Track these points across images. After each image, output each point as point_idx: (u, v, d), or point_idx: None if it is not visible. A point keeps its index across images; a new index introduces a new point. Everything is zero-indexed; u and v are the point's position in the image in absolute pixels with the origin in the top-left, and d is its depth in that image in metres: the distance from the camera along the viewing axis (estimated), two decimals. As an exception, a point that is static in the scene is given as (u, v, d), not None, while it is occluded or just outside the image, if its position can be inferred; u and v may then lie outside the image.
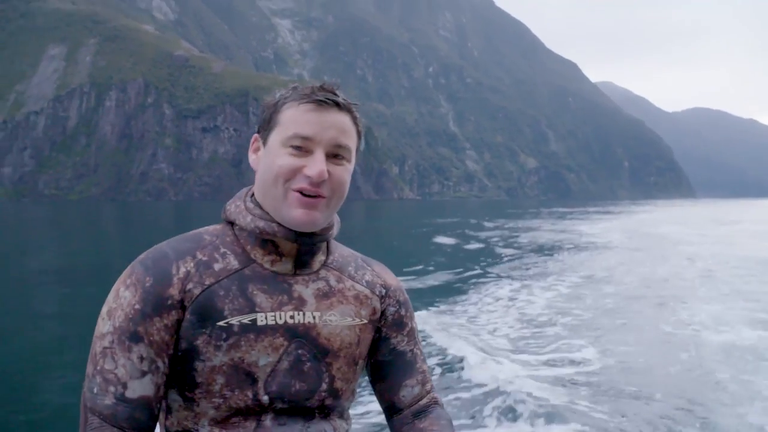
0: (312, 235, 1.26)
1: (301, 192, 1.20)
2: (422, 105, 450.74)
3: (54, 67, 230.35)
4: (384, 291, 1.40)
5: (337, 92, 1.24)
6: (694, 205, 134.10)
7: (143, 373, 1.16)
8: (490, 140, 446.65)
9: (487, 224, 45.25)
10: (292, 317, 1.23)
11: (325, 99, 1.21)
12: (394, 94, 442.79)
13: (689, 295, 12.58)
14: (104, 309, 1.20)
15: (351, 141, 1.25)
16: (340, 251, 1.40)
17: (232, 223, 1.30)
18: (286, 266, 1.26)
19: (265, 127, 1.26)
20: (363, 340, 1.34)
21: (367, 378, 1.46)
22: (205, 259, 1.22)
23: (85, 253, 26.43)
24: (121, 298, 1.18)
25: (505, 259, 20.83)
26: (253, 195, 1.31)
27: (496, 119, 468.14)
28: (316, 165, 1.19)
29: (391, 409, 1.44)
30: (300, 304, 1.25)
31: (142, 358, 1.16)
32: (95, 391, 1.16)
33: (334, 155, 1.23)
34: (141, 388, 1.16)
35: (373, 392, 1.46)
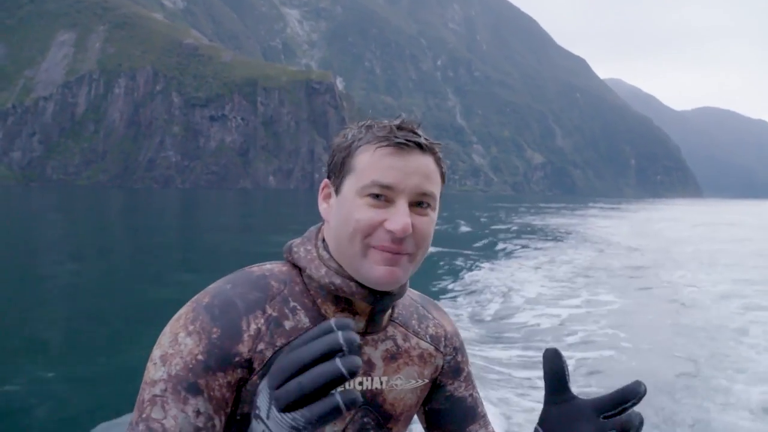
0: (390, 294, 1.15)
1: (382, 249, 1.08)
2: (430, 98, 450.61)
3: (63, 53, 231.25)
4: (449, 348, 1.34)
5: (418, 131, 1.13)
6: (700, 204, 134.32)
7: (197, 429, 1.02)
8: (497, 134, 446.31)
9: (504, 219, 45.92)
10: (360, 383, 1.17)
11: (407, 141, 1.09)
12: (402, 86, 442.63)
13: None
14: (156, 353, 1.08)
15: (436, 187, 1.13)
16: (403, 300, 1.31)
17: (299, 269, 1.19)
18: (358, 326, 1.18)
19: (337, 172, 1.14)
20: (421, 398, 1.30)
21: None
22: (275, 315, 1.11)
23: (88, 236, 27.17)
24: (181, 345, 1.06)
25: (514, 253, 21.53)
26: (324, 239, 1.19)
27: (504, 113, 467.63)
28: (400, 218, 1.07)
29: None
30: (369, 368, 1.18)
31: (198, 413, 1.03)
32: None
33: (418, 203, 1.11)
34: None
35: None
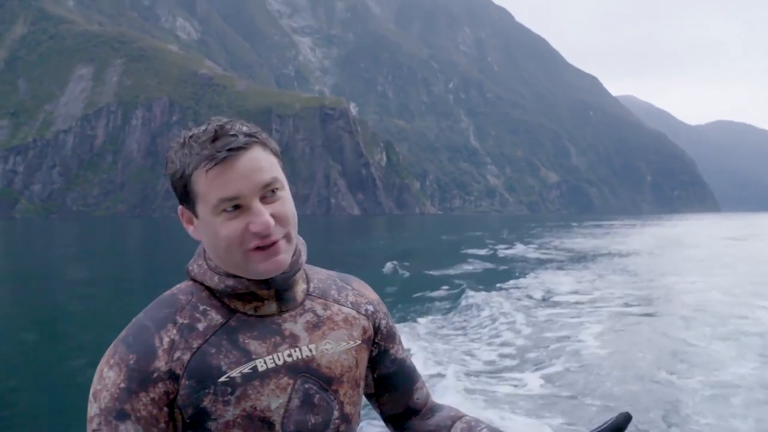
0: (282, 273, 1.21)
1: (257, 248, 1.15)
2: (442, 120, 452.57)
3: (82, 87, 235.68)
4: (370, 308, 1.40)
5: (234, 131, 1.13)
6: (717, 218, 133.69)
7: None
8: (510, 154, 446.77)
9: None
10: (290, 355, 1.21)
11: (228, 151, 1.11)
12: (414, 110, 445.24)
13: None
14: (90, 392, 1.15)
15: (275, 170, 1.17)
16: (318, 275, 1.37)
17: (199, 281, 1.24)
18: (270, 308, 1.23)
19: (185, 200, 1.18)
20: (360, 360, 1.34)
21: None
22: (186, 321, 1.18)
23: (107, 266, 27.95)
24: (105, 379, 1.13)
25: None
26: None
27: (517, 133, 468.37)
28: (258, 218, 1.13)
29: (405, 415, 1.47)
30: (294, 341, 1.23)
31: None
32: None
33: (270, 192, 1.16)
34: None
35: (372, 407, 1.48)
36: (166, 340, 1.15)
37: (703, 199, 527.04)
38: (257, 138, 1.16)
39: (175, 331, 1.16)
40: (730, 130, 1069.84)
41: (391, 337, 1.44)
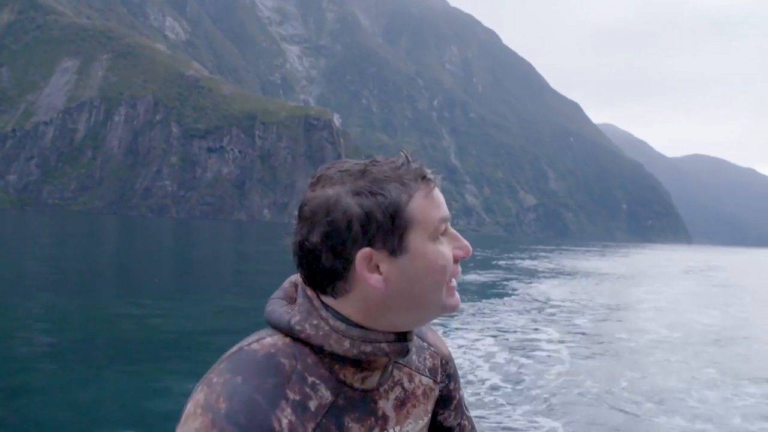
0: (410, 339, 1.08)
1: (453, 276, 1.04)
2: (425, 137, 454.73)
3: (66, 80, 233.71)
4: (441, 373, 1.26)
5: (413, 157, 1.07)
6: (688, 251, 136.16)
7: None
8: (490, 175, 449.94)
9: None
10: None
11: (431, 174, 1.06)
12: (397, 125, 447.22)
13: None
14: None
15: None
16: None
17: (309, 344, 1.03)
18: (373, 381, 1.08)
19: (390, 233, 1.00)
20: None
21: None
22: (298, 398, 0.99)
23: (78, 261, 28.14)
24: None
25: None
26: (330, 308, 1.03)
27: (498, 155, 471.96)
28: (464, 243, 1.05)
29: None
30: (384, 422, 1.09)
31: None
32: None
33: None
34: None
35: None
36: (285, 422, 0.95)
37: (676, 231, 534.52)
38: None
39: (290, 411, 0.97)
40: (705, 165, 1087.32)
41: (445, 401, 1.29)
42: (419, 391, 1.18)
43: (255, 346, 1.02)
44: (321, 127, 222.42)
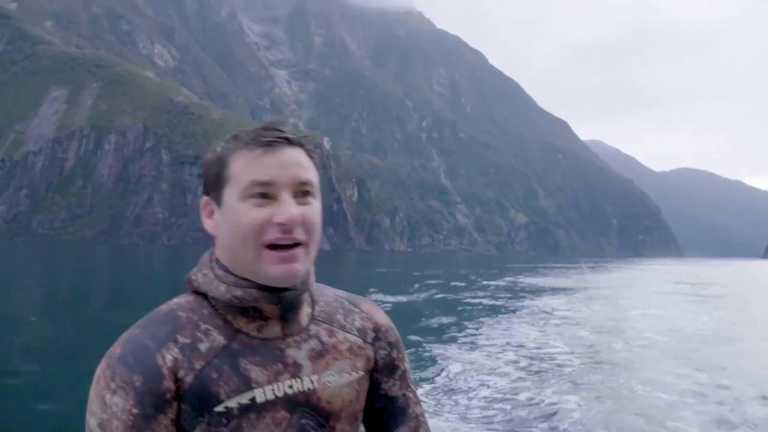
0: (292, 290, 1.16)
1: (275, 245, 1.11)
2: (415, 158, 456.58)
3: (55, 109, 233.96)
4: (375, 335, 1.32)
5: (283, 128, 1.16)
6: (680, 264, 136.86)
7: None
8: (480, 195, 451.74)
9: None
10: (290, 386, 1.15)
11: (274, 138, 1.13)
12: (387, 147, 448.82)
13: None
14: (92, 422, 1.06)
15: (313, 175, 1.17)
16: (325, 297, 1.31)
17: (204, 294, 1.18)
18: (273, 330, 1.17)
19: (215, 186, 1.16)
20: (361, 392, 1.27)
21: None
22: (188, 341, 1.11)
23: (69, 289, 28.24)
24: (112, 407, 1.05)
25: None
26: (218, 260, 1.19)
27: (487, 174, 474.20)
28: (286, 209, 1.10)
29: None
30: (296, 370, 1.16)
31: None
32: None
33: (302, 193, 1.14)
34: None
35: None
36: (169, 358, 1.09)
37: (667, 244, 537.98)
38: (305, 143, 1.18)
39: (177, 350, 1.10)
40: (694, 178, 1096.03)
41: (389, 370, 1.34)
42: (343, 347, 1.24)
43: (163, 306, 1.18)
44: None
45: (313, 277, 1.23)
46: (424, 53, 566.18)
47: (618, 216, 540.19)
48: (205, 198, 1.18)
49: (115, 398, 1.05)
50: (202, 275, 1.18)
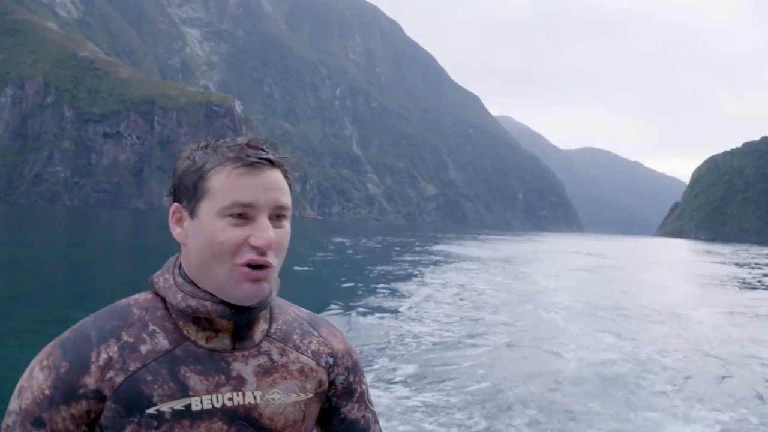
0: (249, 309, 1.16)
1: (248, 265, 1.11)
2: (327, 125, 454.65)
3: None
4: (331, 360, 1.31)
5: (266, 147, 1.16)
6: (581, 238, 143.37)
7: None
8: (392, 165, 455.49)
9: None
10: (230, 399, 1.14)
11: (259, 159, 1.12)
12: (300, 113, 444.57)
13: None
14: (18, 385, 1.13)
15: (289, 199, 1.17)
16: (285, 316, 1.30)
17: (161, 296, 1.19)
18: (223, 342, 1.17)
19: (189, 196, 1.14)
20: (309, 414, 1.25)
21: None
22: (131, 340, 1.12)
23: None
24: (33, 379, 1.10)
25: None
26: (180, 266, 1.20)
27: (399, 145, 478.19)
28: (264, 233, 1.10)
29: None
30: (239, 383, 1.16)
31: None
32: None
33: (277, 216, 1.14)
34: None
35: None
36: (103, 356, 1.10)
37: (569, 220, 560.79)
38: (285, 164, 1.18)
39: (115, 349, 1.11)
40: (596, 157, 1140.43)
41: (348, 394, 1.34)
42: (293, 367, 1.23)
43: (123, 300, 1.20)
44: (223, 114, 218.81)
45: (275, 294, 1.23)
46: (340, 20, 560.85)
47: (524, 191, 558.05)
48: (176, 205, 1.17)
49: (39, 374, 1.10)
50: (163, 279, 1.19)
